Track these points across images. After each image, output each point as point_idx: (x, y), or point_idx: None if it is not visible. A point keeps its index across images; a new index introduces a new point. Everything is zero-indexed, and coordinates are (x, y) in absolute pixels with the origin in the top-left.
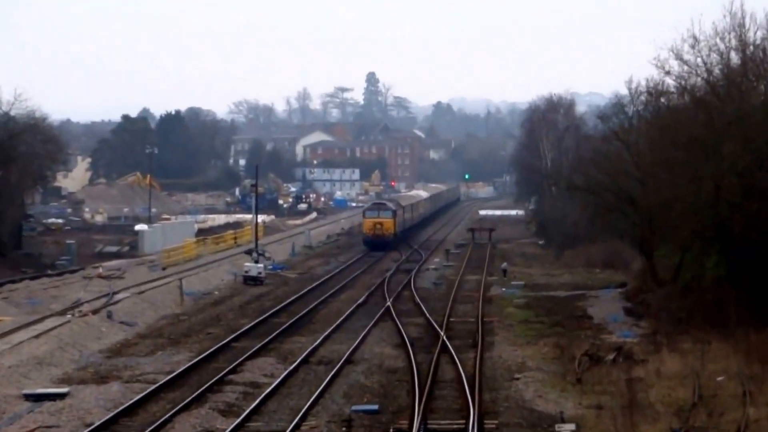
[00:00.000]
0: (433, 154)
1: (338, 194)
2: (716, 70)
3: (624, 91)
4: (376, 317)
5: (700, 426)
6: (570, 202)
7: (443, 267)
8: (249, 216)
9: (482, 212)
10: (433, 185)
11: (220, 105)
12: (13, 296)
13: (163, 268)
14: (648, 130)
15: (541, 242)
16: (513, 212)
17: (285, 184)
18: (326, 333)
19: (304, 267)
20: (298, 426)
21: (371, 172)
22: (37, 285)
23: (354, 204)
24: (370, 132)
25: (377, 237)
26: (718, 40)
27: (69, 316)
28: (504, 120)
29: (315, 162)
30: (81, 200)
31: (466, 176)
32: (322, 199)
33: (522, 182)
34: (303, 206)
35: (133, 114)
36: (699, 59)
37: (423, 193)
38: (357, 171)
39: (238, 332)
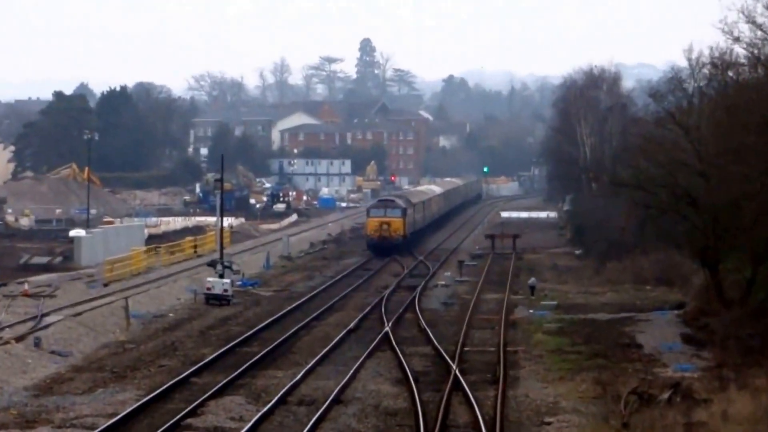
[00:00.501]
0: (443, 142)
1: (324, 192)
2: None
3: (682, 63)
4: (372, 346)
5: None
6: (614, 202)
7: (455, 283)
8: (212, 219)
9: (504, 214)
10: (448, 179)
11: (176, 79)
12: None
13: (105, 285)
14: (712, 111)
15: (577, 252)
16: (543, 214)
17: (258, 179)
18: (309, 366)
19: (282, 283)
20: None
21: (366, 164)
22: None
23: (344, 204)
24: (365, 113)
25: (383, 239)
26: None
27: None
28: (532, 98)
29: (295, 151)
30: (2, 199)
31: (485, 169)
32: (305, 197)
33: (554, 176)
34: (280, 207)
35: (68, 90)
36: None
37: (436, 189)
38: (348, 162)
39: (199, 364)
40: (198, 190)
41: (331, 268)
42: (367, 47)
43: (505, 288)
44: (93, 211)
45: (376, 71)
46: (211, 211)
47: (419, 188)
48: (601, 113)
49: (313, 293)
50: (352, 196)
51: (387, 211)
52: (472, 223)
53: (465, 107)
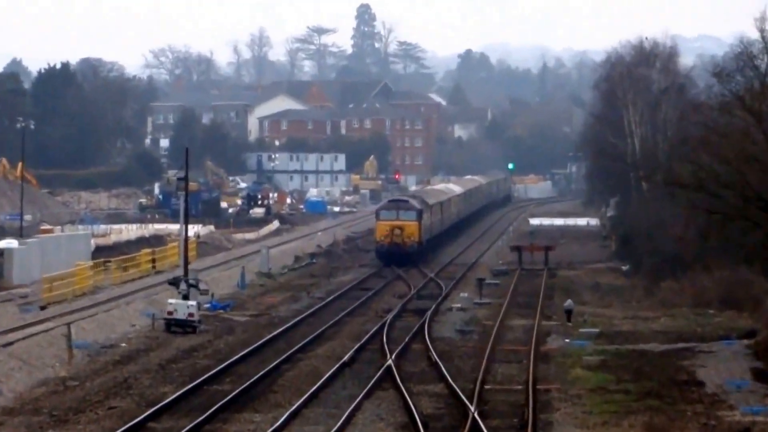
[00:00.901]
0: (459, 131)
1: (313, 193)
2: None
3: (753, 34)
4: (371, 383)
5: None
6: (670, 206)
7: (474, 306)
8: (175, 227)
9: (534, 221)
10: (469, 177)
11: (131, 55)
12: None
13: (42, 308)
14: None
15: (624, 268)
16: (582, 221)
17: (231, 178)
18: (294, 407)
19: (260, 305)
20: None
21: (364, 159)
22: None
23: (337, 209)
24: (363, 97)
25: (395, 246)
26: None
27: None
28: (568, 78)
29: (277, 143)
30: None
31: (510, 166)
32: (289, 200)
33: (596, 175)
34: (258, 212)
35: None
36: None
37: (455, 189)
38: (342, 157)
39: (158, 406)
40: (157, 191)
41: (322, 287)
42: (365, 15)
43: (536, 312)
44: (28, 217)
45: (376, 45)
46: (172, 218)
47: (436, 187)
48: (654, 96)
49: (298, 318)
50: (347, 198)
51: (400, 214)
52: (490, 234)
53: (486, 89)
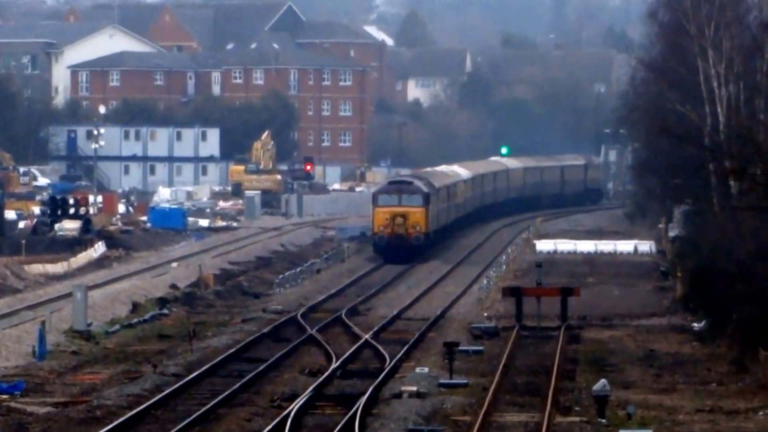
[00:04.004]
0: (415, 91)
1: (164, 196)
2: None
3: None
4: None
5: None
6: None
7: (440, 389)
8: None
9: (543, 245)
10: (494, 159)
11: None
12: None
13: None
14: None
15: (697, 326)
16: (626, 245)
17: (23, 169)
18: None
19: (72, 388)
20: None
21: (252, 139)
22: None
23: (206, 223)
24: (251, 33)
25: (397, 238)
26: None
27: None
28: (604, 3)
29: (103, 110)
30: None
31: (503, 150)
32: (123, 207)
33: (651, 167)
34: (70, 227)
35: None
36: None
37: (462, 172)
38: (214, 134)
39: None
40: None
41: (179, 356)
42: None
43: (545, 401)
44: None
45: None
46: None
47: (440, 169)
48: (752, 34)
49: (137, 410)
50: (223, 204)
51: (402, 198)
52: (485, 255)
53: (463, 20)
